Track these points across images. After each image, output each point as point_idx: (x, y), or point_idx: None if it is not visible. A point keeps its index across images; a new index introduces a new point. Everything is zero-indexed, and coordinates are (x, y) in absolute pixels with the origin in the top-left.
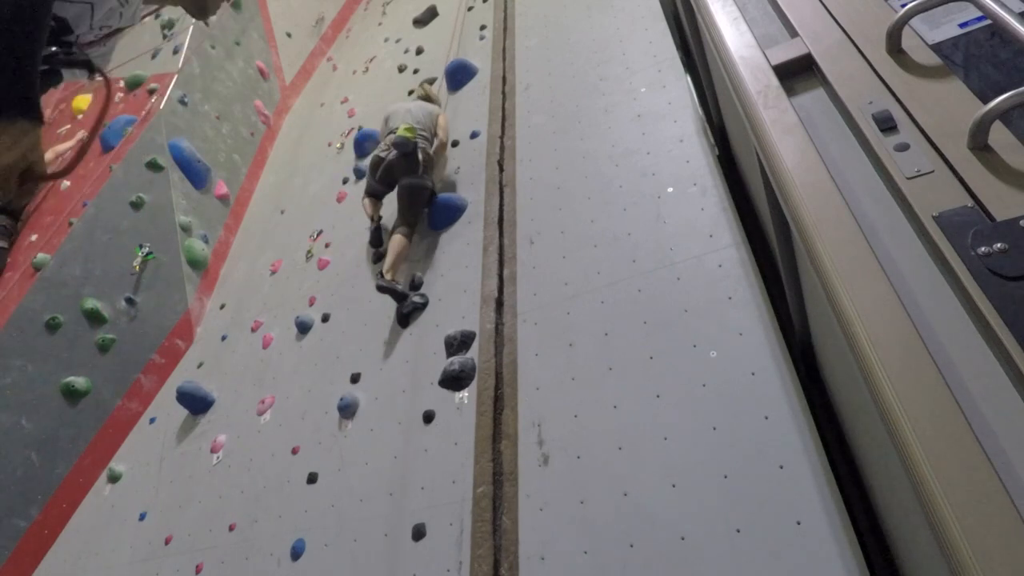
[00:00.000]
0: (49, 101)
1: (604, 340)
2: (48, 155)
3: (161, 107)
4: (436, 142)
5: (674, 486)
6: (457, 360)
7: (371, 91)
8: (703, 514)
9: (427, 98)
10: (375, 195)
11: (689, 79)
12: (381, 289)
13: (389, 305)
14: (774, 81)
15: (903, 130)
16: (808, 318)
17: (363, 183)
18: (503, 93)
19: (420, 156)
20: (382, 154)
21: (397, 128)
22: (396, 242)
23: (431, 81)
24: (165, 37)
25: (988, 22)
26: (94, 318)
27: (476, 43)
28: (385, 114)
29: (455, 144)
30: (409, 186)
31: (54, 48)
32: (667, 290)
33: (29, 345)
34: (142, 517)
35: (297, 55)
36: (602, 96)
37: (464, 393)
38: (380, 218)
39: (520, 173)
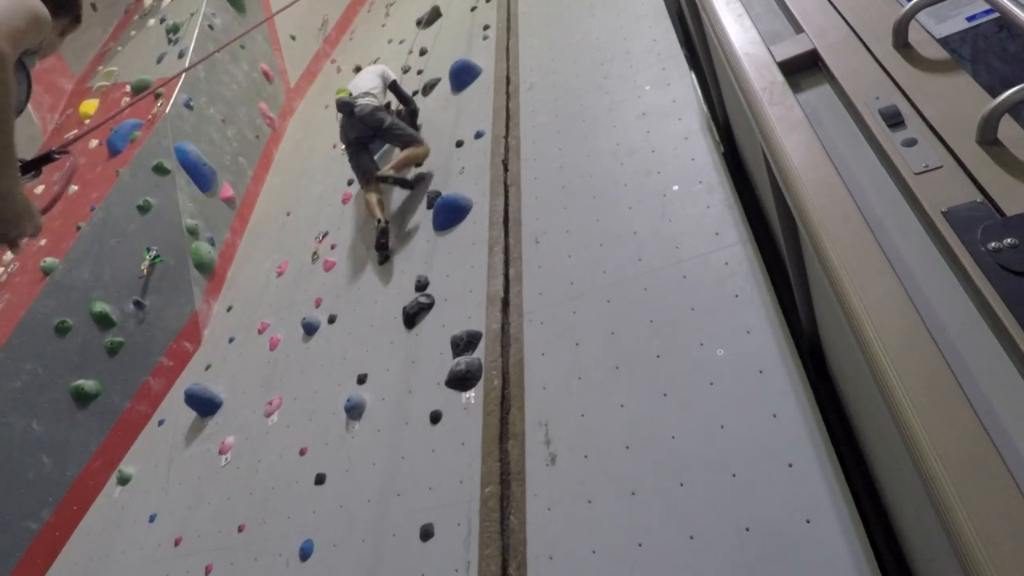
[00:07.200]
0: (56, 106)
1: (611, 339)
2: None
3: (167, 111)
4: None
5: (682, 485)
6: (463, 360)
7: None
8: (712, 513)
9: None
10: (363, 169)
11: (693, 76)
12: (389, 180)
13: (396, 306)
14: (779, 77)
15: (910, 125)
16: (816, 315)
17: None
18: (507, 93)
19: (359, 111)
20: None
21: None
22: (409, 152)
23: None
24: (170, 41)
25: (996, 15)
26: (103, 321)
27: (480, 43)
28: None
29: (459, 144)
30: (389, 130)
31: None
32: (673, 288)
33: (39, 349)
34: (152, 519)
35: (301, 58)
36: (606, 95)
37: (471, 393)
38: (387, 222)
39: (525, 172)
